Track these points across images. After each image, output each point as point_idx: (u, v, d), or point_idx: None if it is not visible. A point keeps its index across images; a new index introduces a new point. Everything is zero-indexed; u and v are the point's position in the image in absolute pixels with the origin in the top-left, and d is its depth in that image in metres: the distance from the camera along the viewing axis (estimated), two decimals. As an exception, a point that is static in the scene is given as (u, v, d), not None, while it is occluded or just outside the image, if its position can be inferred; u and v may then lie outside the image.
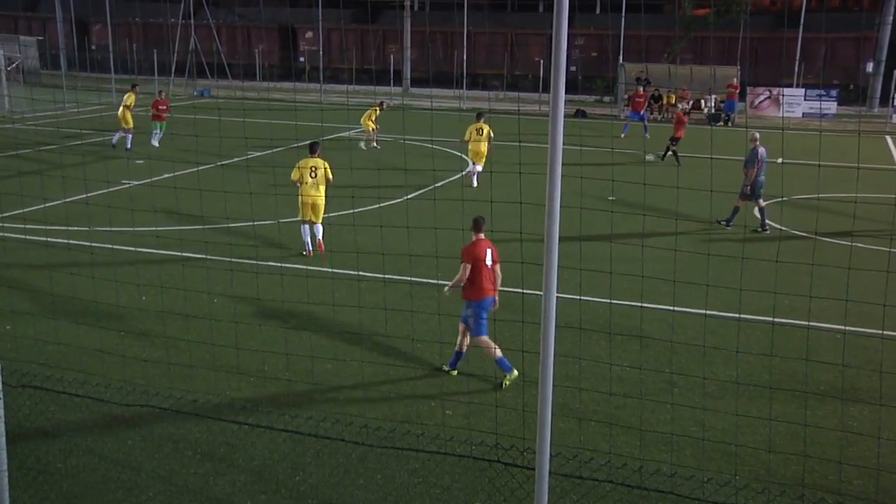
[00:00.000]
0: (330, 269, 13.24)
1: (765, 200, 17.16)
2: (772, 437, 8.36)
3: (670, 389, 9.49)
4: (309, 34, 51.86)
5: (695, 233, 16.45)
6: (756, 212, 17.23)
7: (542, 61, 42.33)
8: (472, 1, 47.83)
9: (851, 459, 8.00)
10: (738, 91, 36.04)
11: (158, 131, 25.76)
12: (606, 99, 43.34)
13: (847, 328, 10.60)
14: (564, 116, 5.28)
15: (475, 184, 20.74)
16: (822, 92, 37.68)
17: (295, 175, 14.39)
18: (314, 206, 14.26)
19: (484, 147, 20.66)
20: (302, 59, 52.30)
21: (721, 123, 35.10)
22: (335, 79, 49.66)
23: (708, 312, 10.87)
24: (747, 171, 16.73)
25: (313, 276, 12.84)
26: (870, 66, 40.62)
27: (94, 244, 14.61)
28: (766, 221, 17.00)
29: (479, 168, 20.84)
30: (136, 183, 19.90)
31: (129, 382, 9.18)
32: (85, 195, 16.87)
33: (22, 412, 8.30)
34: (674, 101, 36.29)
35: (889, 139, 31.40)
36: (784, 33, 43.75)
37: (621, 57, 40.55)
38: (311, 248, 14.43)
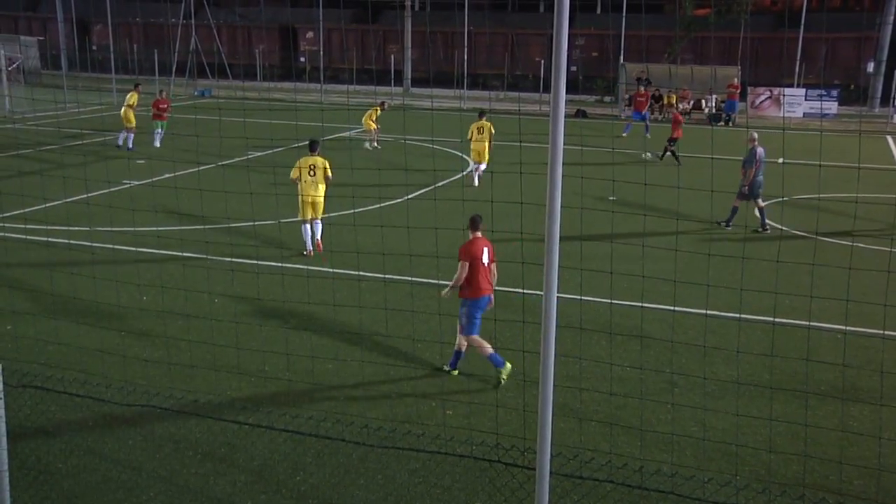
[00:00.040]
0: (330, 269, 13.24)
1: (764, 200, 17.16)
2: (772, 437, 8.36)
3: (671, 389, 9.49)
4: (309, 34, 51.87)
5: (695, 233, 16.45)
6: (756, 212, 17.24)
7: (542, 61, 42.33)
8: (472, 1, 47.82)
9: (852, 459, 8.00)
10: (738, 91, 36.04)
11: (160, 131, 25.79)
12: (607, 99, 43.33)
13: (848, 328, 10.59)
14: (565, 116, 5.29)
15: (476, 183, 20.78)
16: (823, 92, 37.66)
17: (294, 173, 14.46)
18: (314, 205, 14.31)
19: (485, 145, 20.77)
20: (302, 59, 52.32)
21: (722, 123, 35.09)
22: (336, 79, 49.67)
23: (708, 312, 10.87)
24: (745, 170, 16.74)
25: (314, 276, 12.85)
26: (870, 66, 40.60)
27: (94, 244, 14.62)
28: (767, 221, 16.99)
29: (483, 167, 20.95)
30: (137, 183, 19.90)
31: (130, 382, 9.18)
32: (86, 195, 16.88)
33: (23, 412, 8.30)
34: (674, 101, 36.28)
35: (890, 139, 31.38)
36: (785, 33, 43.73)
37: (622, 57, 40.54)
38: (311, 248, 14.44)
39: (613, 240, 13.72)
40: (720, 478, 7.51)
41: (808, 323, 10.52)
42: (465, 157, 24.44)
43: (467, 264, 9.44)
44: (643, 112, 30.58)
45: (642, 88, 31.60)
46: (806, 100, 37.52)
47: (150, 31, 53.47)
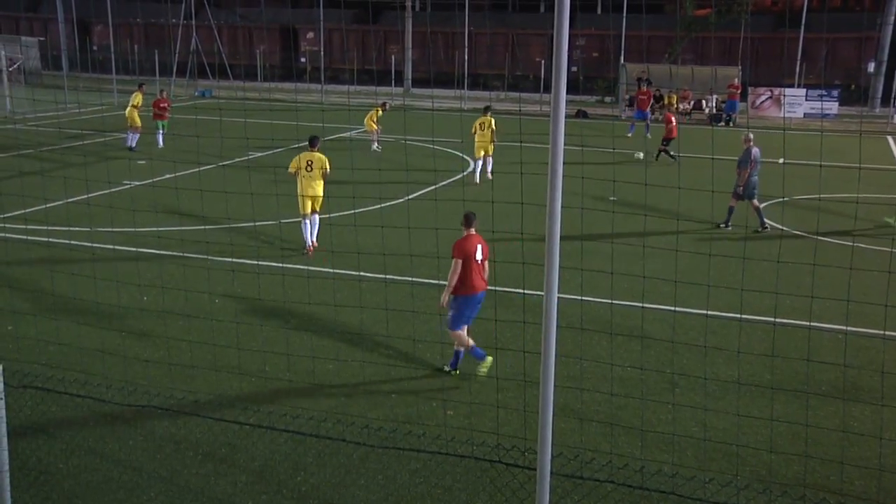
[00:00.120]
0: (331, 270, 13.25)
1: (765, 201, 17.16)
2: (773, 438, 8.35)
3: (672, 390, 9.48)
4: (310, 34, 51.87)
5: (696, 233, 16.44)
6: (754, 213, 17.23)
7: (543, 62, 42.33)
8: (473, 1, 47.82)
9: (853, 460, 7.99)
10: (739, 91, 36.03)
11: (162, 130, 25.82)
12: (608, 99, 43.33)
13: (848, 328, 10.60)
14: (565, 117, 5.29)
15: (477, 180, 21.00)
16: (824, 92, 37.65)
17: (293, 167, 14.64)
18: (312, 199, 14.49)
19: (487, 141, 21.04)
20: (303, 59, 52.32)
21: (722, 124, 35.09)
22: (336, 79, 49.68)
23: (709, 313, 10.87)
24: (740, 171, 16.78)
25: (314, 277, 12.85)
26: (871, 67, 40.58)
27: (95, 244, 14.62)
28: (765, 220, 17.00)
29: (490, 164, 21.28)
30: (138, 183, 19.91)
31: (131, 383, 9.18)
32: (86, 195, 16.89)
33: (24, 412, 8.30)
34: (675, 102, 36.30)
35: (890, 139, 31.38)
36: (785, 33, 43.73)
37: (622, 57, 40.54)
38: (310, 244, 14.55)
39: (614, 240, 13.72)
40: (721, 478, 7.50)
41: (808, 323, 10.51)
42: (465, 157, 24.44)
43: (460, 262, 9.45)
44: (645, 111, 30.59)
45: (644, 87, 31.62)
46: (806, 100, 37.51)
47: (150, 32, 53.49)
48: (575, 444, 8.13)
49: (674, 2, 44.52)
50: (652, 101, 32.39)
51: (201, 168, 19.37)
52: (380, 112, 26.23)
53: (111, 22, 42.53)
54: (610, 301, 11.17)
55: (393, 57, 45.76)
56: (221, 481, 7.50)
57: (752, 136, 17.01)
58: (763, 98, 38.20)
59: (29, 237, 14.87)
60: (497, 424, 8.32)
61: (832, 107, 37.30)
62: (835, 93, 38.02)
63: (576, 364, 9.58)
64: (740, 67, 38.63)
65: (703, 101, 37.90)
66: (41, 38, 49.47)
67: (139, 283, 12.41)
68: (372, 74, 49.51)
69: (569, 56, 5.42)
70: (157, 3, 52.24)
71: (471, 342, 9.66)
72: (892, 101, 36.88)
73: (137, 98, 25.34)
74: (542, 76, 40.53)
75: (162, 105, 25.85)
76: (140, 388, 8.94)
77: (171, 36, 45.30)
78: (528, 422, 8.23)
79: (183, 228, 15.69)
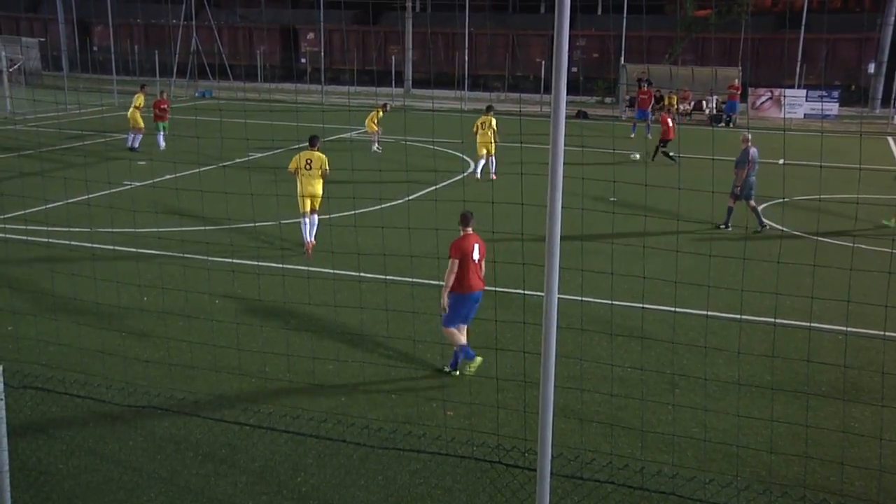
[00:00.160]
0: (331, 270, 13.25)
1: (762, 202, 17.15)
2: (773, 438, 8.35)
3: (672, 390, 9.48)
4: (310, 35, 51.88)
5: (696, 233, 16.44)
6: (753, 214, 17.24)
7: (543, 62, 42.34)
8: (473, 2, 47.84)
9: (853, 460, 7.99)
10: (739, 92, 36.04)
11: (163, 132, 25.78)
12: (608, 100, 43.34)
13: (849, 329, 10.59)
14: (566, 117, 5.29)
15: (479, 175, 21.33)
16: (824, 93, 37.67)
17: (292, 165, 14.74)
18: (311, 198, 14.57)
19: (488, 140, 21.21)
20: (303, 60, 52.34)
21: (722, 124, 35.10)
22: (336, 80, 49.68)
23: (709, 313, 10.87)
24: (738, 171, 16.81)
25: (315, 277, 12.85)
26: (871, 67, 40.59)
27: (95, 245, 14.62)
28: (763, 220, 17.01)
29: (494, 164, 21.50)
30: (138, 184, 19.92)
31: (131, 383, 9.18)
32: (86, 196, 16.89)
33: (24, 413, 8.30)
34: (675, 102, 36.31)
35: (891, 140, 31.38)
36: (785, 34, 43.74)
37: (623, 58, 40.55)
38: (309, 241, 14.60)
39: (614, 240, 13.72)
40: (721, 479, 7.50)
41: (808, 324, 10.51)
42: (465, 157, 24.45)
43: (457, 261, 9.47)
44: (647, 110, 30.59)
45: (645, 87, 31.63)
46: (807, 101, 37.53)
47: (150, 32, 53.51)
48: (575, 445, 8.13)
49: (674, 2, 44.53)
50: (653, 101, 32.40)
51: (201, 168, 19.37)
52: (380, 113, 26.12)
53: (111, 22, 42.56)
54: (610, 301, 11.17)
55: (393, 57, 45.77)
56: (221, 482, 7.49)
57: (749, 136, 17.02)
58: (763, 99, 38.22)
59: (29, 237, 14.87)
60: (497, 425, 8.32)
61: (832, 107, 37.32)
62: (835, 93, 38.03)
63: (576, 364, 9.58)
64: (740, 68, 38.65)
65: (704, 102, 37.91)
66: (41, 39, 49.45)
67: (139, 283, 12.41)
68: (372, 75, 49.52)
69: (569, 57, 5.42)
70: (157, 3, 52.26)
71: (463, 341, 9.67)
72: (892, 101, 36.87)
73: (140, 99, 25.35)
74: (543, 77, 40.54)
75: (162, 106, 25.83)
76: (140, 388, 8.94)
77: (172, 36, 45.31)
78: (528, 422, 8.23)
79: (183, 229, 15.70)
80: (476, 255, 9.59)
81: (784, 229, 16.66)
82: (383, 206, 16.55)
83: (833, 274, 10.97)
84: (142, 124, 25.21)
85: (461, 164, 23.79)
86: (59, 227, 15.45)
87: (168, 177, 20.12)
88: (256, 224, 15.87)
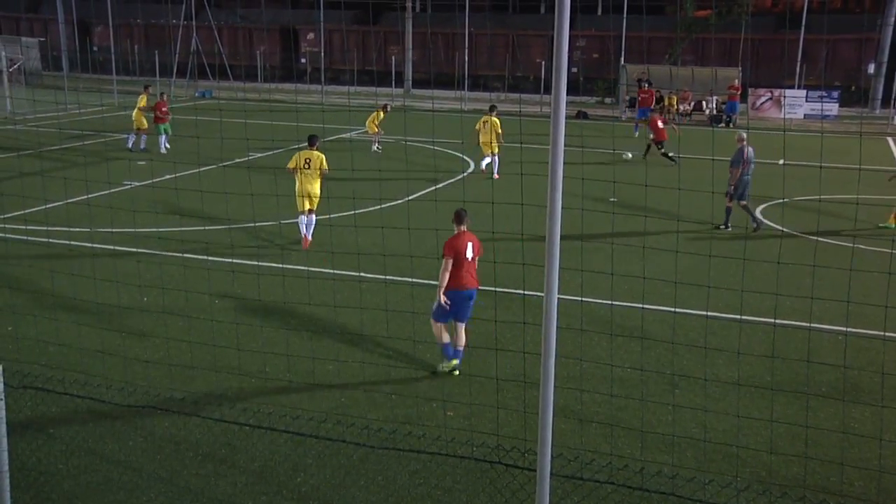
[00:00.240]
0: (331, 270, 13.25)
1: (759, 202, 17.14)
2: (773, 439, 8.35)
3: (672, 391, 9.48)
4: (310, 35, 51.88)
5: (696, 233, 16.44)
6: (746, 213, 17.23)
7: (543, 62, 42.34)
8: (473, 2, 47.84)
9: (853, 461, 7.99)
10: (739, 92, 36.04)
11: (164, 134, 25.62)
12: (608, 100, 43.33)
13: (848, 329, 10.59)
14: (566, 117, 5.29)
15: (483, 167, 21.71)
16: (824, 93, 37.67)
17: (291, 164, 14.90)
18: (309, 197, 14.69)
19: (489, 139, 21.34)
20: (303, 60, 52.33)
21: (723, 125, 35.09)
22: (336, 80, 49.67)
23: (709, 313, 10.87)
24: (732, 170, 16.82)
25: (314, 277, 12.85)
26: (871, 68, 40.60)
27: (95, 245, 14.62)
28: (757, 217, 17.03)
29: (497, 164, 21.73)
30: (138, 184, 19.92)
31: (131, 383, 9.18)
32: (86, 196, 16.89)
33: (23, 413, 8.30)
34: (675, 103, 36.31)
35: (891, 140, 31.38)
36: (785, 34, 43.75)
37: (623, 58, 40.55)
38: (304, 235, 14.71)
39: (614, 240, 13.72)
40: (721, 479, 7.50)
41: (808, 324, 10.51)
42: (465, 157, 24.45)
43: (451, 259, 9.49)
44: (649, 109, 30.59)
45: (645, 86, 31.63)
46: (807, 101, 37.53)
47: (150, 33, 53.50)
48: (575, 445, 8.13)
49: (674, 3, 44.54)
50: (654, 101, 32.40)
51: (201, 168, 19.37)
52: (381, 115, 25.99)
53: (111, 23, 42.55)
54: (610, 302, 11.17)
55: (393, 58, 45.77)
56: (221, 482, 7.49)
57: (745, 135, 17.03)
58: (763, 99, 38.22)
59: (29, 237, 14.87)
60: (497, 425, 8.32)
61: (832, 108, 37.32)
62: (835, 94, 38.03)
63: (576, 365, 9.58)
64: (740, 68, 38.63)
65: (704, 103, 37.90)
66: (41, 39, 49.45)
67: (139, 283, 12.41)
68: (372, 75, 49.52)
69: (569, 57, 5.42)
70: (157, 3, 52.26)
71: (446, 339, 9.73)
72: (892, 102, 36.87)
73: (143, 100, 25.29)
74: (543, 77, 40.54)
75: (163, 109, 25.69)
76: (140, 388, 8.94)
77: (172, 37, 45.31)
78: (528, 423, 8.23)
79: (183, 229, 15.70)
80: (469, 254, 9.61)
81: (784, 229, 16.66)
82: (383, 206, 16.55)
83: (833, 274, 10.97)
84: (145, 125, 25.15)
85: (461, 164, 23.79)
86: (59, 227, 15.45)
87: (168, 177, 20.12)
88: (256, 224, 15.88)
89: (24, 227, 15.38)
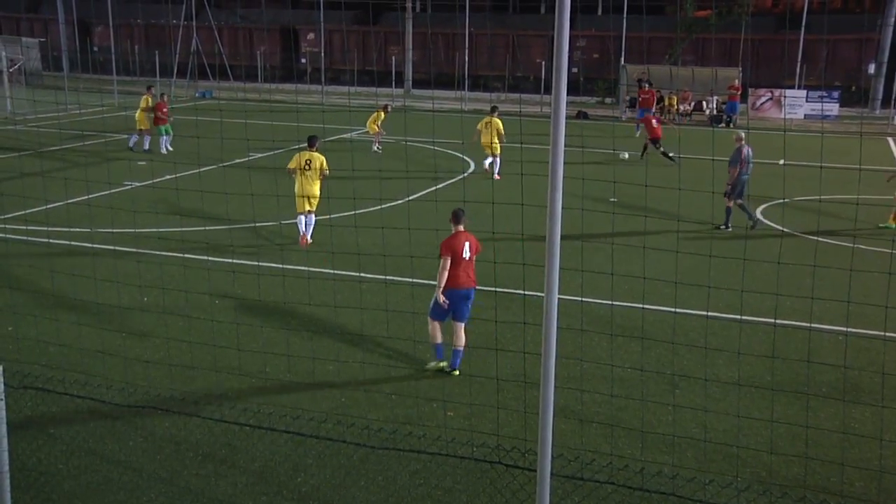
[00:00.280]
0: (331, 271, 13.25)
1: (759, 202, 17.14)
2: (774, 439, 8.35)
3: (672, 391, 9.48)
4: (310, 35, 51.87)
5: (696, 234, 16.44)
6: (741, 211, 17.21)
7: (543, 63, 42.34)
8: (473, 2, 47.84)
9: (853, 461, 7.99)
10: (739, 93, 36.04)
11: (166, 136, 25.60)
12: (608, 100, 43.33)
13: (849, 330, 10.59)
14: (566, 118, 5.29)
15: (487, 166, 21.85)
16: (824, 93, 37.66)
17: (292, 164, 14.97)
18: (308, 198, 14.75)
19: (490, 140, 21.49)
20: (303, 60, 52.33)
21: (723, 125, 35.09)
22: (337, 80, 49.67)
23: (709, 314, 10.87)
24: (730, 170, 16.85)
25: (315, 278, 12.85)
26: (871, 68, 40.59)
27: (95, 245, 14.62)
28: (752, 214, 17.03)
29: (498, 162, 21.85)
30: (139, 184, 19.91)
31: (131, 383, 9.18)
32: (87, 196, 16.89)
33: (24, 413, 8.30)
34: (675, 103, 36.29)
35: (891, 141, 31.38)
36: (786, 35, 43.74)
37: (623, 58, 40.54)
38: (303, 233, 14.71)
39: (614, 240, 13.72)
40: (721, 479, 7.50)
41: (809, 324, 10.51)
42: (465, 158, 24.45)
43: (448, 258, 9.51)
44: (650, 109, 30.59)
45: (646, 86, 31.63)
46: (807, 101, 37.52)
47: (151, 33, 53.49)
48: (575, 446, 8.13)
49: (674, 3, 44.54)
50: (654, 101, 32.39)
51: (202, 169, 19.37)
52: (382, 115, 25.96)
53: (112, 23, 42.54)
54: (610, 302, 11.17)
55: (393, 58, 45.77)
56: (221, 482, 7.49)
57: (742, 134, 17.05)
58: (763, 99, 38.21)
59: (29, 237, 14.87)
60: (497, 425, 8.32)
61: (832, 108, 37.31)
62: (835, 94, 38.02)
63: (576, 365, 9.58)
64: (741, 69, 38.63)
65: (704, 103, 37.90)
66: (42, 39, 49.43)
67: (139, 283, 12.41)
68: (372, 75, 49.52)
69: (569, 57, 5.42)
70: (157, 3, 52.25)
71: (439, 338, 9.75)
72: (892, 102, 36.86)
73: (146, 101, 25.29)
74: (543, 77, 40.54)
75: (163, 110, 25.66)
76: (140, 388, 8.94)
77: (172, 37, 45.30)
78: (528, 423, 8.23)
79: (183, 229, 15.69)
80: (466, 253, 9.63)
81: (784, 229, 16.66)
82: (383, 206, 16.55)
83: (833, 274, 10.97)
84: (148, 126, 25.14)
85: (461, 164, 23.79)
86: (60, 227, 15.45)
87: (168, 177, 20.12)
88: (256, 224, 15.88)
89: (24, 227, 15.38)
